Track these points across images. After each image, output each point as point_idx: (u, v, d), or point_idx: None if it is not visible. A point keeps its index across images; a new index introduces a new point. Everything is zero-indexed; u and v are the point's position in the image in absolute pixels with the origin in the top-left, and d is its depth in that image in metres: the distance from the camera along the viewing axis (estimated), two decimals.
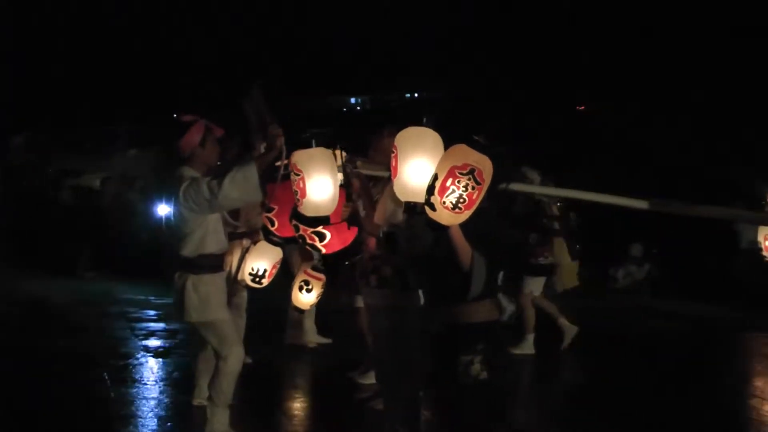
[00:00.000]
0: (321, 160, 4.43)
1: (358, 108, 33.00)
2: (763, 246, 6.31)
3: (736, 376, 8.18)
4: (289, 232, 4.96)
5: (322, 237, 4.67)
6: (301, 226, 4.59)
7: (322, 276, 6.42)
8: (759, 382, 7.84)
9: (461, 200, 3.51)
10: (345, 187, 4.65)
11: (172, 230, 5.64)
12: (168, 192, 5.68)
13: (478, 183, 3.51)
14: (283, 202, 4.87)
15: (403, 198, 3.90)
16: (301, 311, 6.94)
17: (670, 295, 12.51)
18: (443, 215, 3.57)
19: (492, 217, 4.22)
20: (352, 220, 4.64)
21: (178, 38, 22.38)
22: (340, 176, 4.57)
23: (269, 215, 5.27)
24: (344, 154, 4.70)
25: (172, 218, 5.63)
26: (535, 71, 21.15)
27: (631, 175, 15.91)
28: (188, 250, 5.59)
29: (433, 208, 3.59)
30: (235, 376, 5.73)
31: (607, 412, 6.74)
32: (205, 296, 5.62)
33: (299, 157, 4.44)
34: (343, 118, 29.89)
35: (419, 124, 3.87)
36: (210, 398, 5.75)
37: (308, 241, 4.72)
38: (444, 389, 4.22)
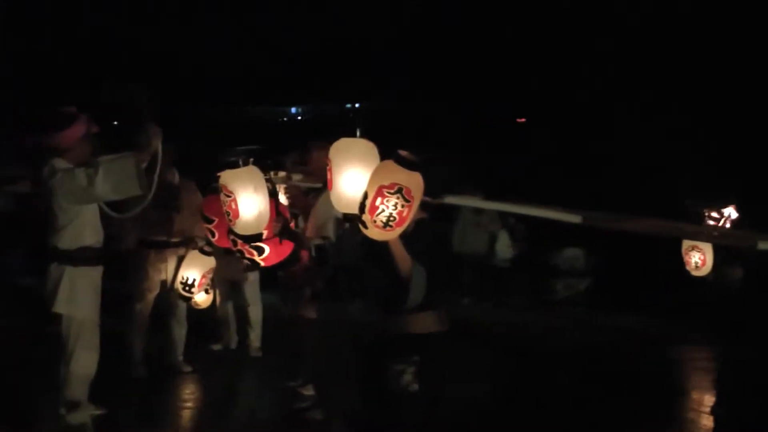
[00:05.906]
0: (249, 179, 4.38)
1: (299, 118, 32.83)
2: (684, 260, 6.39)
3: (673, 389, 8.26)
4: (229, 243, 4.93)
5: (260, 251, 4.65)
6: (239, 241, 4.56)
7: None
8: (695, 395, 7.92)
9: (392, 218, 3.57)
10: (274, 198, 4.61)
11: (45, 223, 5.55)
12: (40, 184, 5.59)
13: (407, 201, 3.57)
14: (223, 213, 4.84)
15: (340, 209, 3.91)
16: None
17: (608, 308, 12.60)
18: (374, 233, 3.64)
19: (433, 229, 4.24)
20: (284, 233, 4.62)
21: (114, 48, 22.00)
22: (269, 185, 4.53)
23: (209, 226, 5.24)
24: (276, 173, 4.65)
25: (45, 211, 5.54)
26: (478, 83, 21.19)
27: (572, 188, 16.00)
28: (65, 242, 5.52)
29: (365, 225, 3.65)
30: (86, 379, 5.63)
31: (537, 427, 6.74)
32: (79, 291, 5.55)
33: (227, 178, 4.37)
34: (283, 127, 29.69)
35: (353, 135, 3.88)
36: (66, 403, 5.65)
37: (246, 255, 4.70)
38: (378, 399, 4.21)
